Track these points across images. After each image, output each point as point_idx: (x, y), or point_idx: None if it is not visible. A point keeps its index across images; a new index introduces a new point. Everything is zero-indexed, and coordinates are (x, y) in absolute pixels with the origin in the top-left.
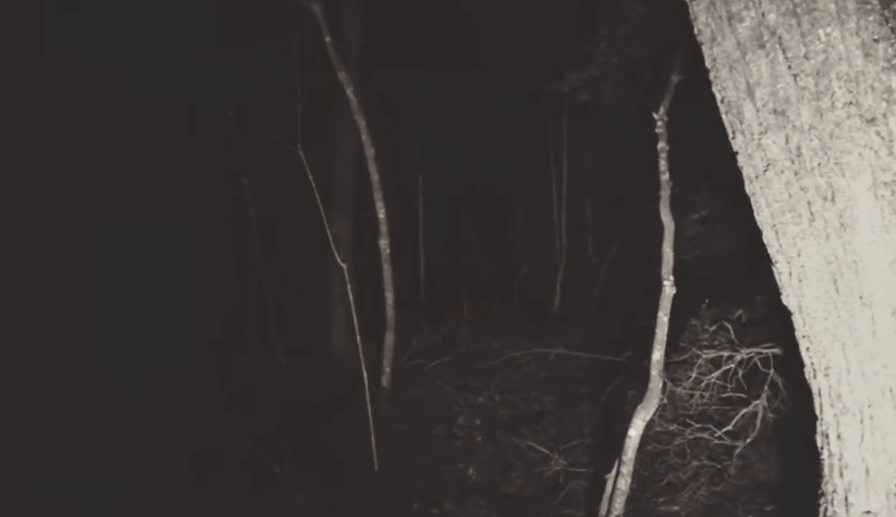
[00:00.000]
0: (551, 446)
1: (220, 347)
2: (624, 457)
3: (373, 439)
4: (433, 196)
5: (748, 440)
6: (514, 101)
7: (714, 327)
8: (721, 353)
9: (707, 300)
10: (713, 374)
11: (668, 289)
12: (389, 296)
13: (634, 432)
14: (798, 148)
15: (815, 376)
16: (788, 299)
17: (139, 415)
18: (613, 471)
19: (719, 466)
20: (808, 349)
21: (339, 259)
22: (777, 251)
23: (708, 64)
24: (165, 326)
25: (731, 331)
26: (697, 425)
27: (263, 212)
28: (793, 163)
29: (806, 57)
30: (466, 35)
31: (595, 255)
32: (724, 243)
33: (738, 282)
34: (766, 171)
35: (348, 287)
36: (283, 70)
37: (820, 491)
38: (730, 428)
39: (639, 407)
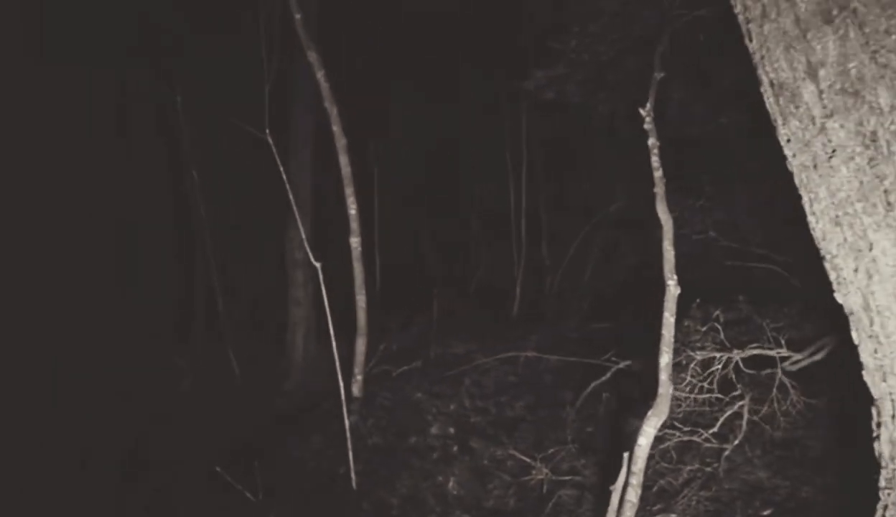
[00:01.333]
0: (531, 454)
1: (166, 352)
2: (633, 467)
3: (350, 456)
4: (389, 192)
5: (735, 441)
6: (475, 97)
7: (705, 328)
8: (713, 355)
9: (698, 300)
10: (704, 374)
11: (673, 288)
12: (361, 299)
13: (645, 440)
14: (874, 132)
15: (885, 379)
16: (848, 297)
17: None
18: (620, 483)
19: (710, 470)
20: (875, 351)
21: (312, 258)
22: (839, 245)
23: (755, 44)
24: (107, 329)
25: (721, 332)
26: (687, 428)
27: (214, 207)
28: (867, 148)
29: (887, 32)
30: (428, 25)
31: (549, 258)
32: (688, 244)
33: (712, 282)
34: (830, 158)
35: (322, 288)
36: (243, 53)
37: (883, 503)
38: (715, 430)
39: (649, 413)
